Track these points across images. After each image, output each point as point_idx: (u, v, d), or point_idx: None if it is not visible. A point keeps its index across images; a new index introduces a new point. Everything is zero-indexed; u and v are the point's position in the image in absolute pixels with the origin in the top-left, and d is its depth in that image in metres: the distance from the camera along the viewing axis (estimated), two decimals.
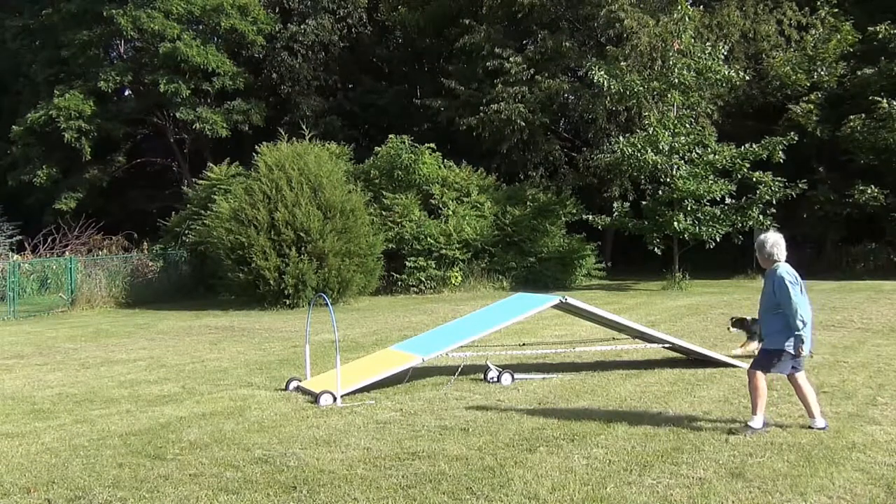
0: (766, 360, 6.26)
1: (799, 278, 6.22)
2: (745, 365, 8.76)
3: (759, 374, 6.24)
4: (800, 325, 6.01)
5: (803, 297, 6.17)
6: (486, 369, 8.61)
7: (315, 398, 7.60)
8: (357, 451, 5.97)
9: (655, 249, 21.25)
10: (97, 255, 23.69)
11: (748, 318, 9.72)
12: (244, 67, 29.84)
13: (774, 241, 6.31)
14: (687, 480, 5.13)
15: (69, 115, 27.76)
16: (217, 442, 6.33)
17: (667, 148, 20.60)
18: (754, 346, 9.29)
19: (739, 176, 20.99)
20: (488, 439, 6.18)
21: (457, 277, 21.23)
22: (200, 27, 29.65)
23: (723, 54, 21.38)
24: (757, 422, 6.17)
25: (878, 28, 23.18)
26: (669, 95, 21.21)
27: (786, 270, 6.20)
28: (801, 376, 6.30)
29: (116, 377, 9.49)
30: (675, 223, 20.50)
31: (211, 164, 23.89)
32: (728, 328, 10.16)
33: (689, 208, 20.72)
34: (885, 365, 8.93)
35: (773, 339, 6.21)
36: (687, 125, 20.87)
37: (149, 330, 14.61)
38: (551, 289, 20.00)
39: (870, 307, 14.63)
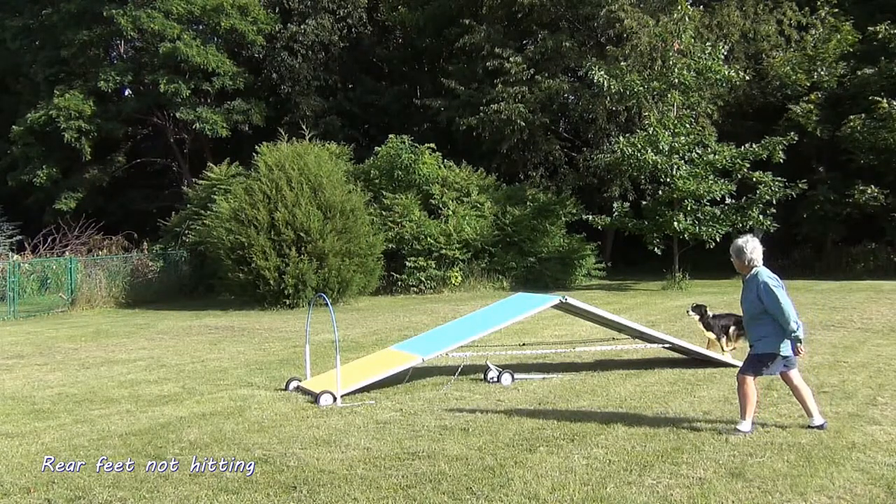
0: (756, 365, 6.23)
1: (780, 280, 6.22)
2: None
3: (750, 379, 6.21)
4: (794, 326, 6.02)
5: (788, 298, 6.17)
6: (486, 369, 8.61)
7: (315, 398, 7.60)
8: (357, 451, 5.97)
9: (655, 249, 21.25)
10: (97, 255, 23.67)
11: (706, 306, 9.56)
12: (244, 67, 29.82)
13: (754, 247, 6.29)
14: (687, 480, 5.13)
15: (69, 115, 27.76)
16: (217, 442, 6.33)
17: (667, 148, 20.59)
18: (725, 342, 9.23)
19: (739, 176, 21.00)
20: (488, 439, 6.18)
21: (457, 277, 21.23)
22: (200, 27, 29.64)
23: (723, 54, 21.37)
24: (745, 426, 6.16)
25: (878, 28, 23.16)
26: (669, 95, 21.20)
27: (767, 275, 6.20)
28: (794, 374, 6.30)
29: (116, 377, 9.49)
30: (675, 223, 20.50)
31: (211, 164, 23.91)
32: (687, 312, 9.67)
33: (689, 208, 20.72)
34: (885, 365, 8.92)
35: (763, 344, 6.19)
36: (687, 125, 20.86)
37: (149, 330, 14.61)
38: (551, 289, 20.00)
39: (870, 307, 14.61)
